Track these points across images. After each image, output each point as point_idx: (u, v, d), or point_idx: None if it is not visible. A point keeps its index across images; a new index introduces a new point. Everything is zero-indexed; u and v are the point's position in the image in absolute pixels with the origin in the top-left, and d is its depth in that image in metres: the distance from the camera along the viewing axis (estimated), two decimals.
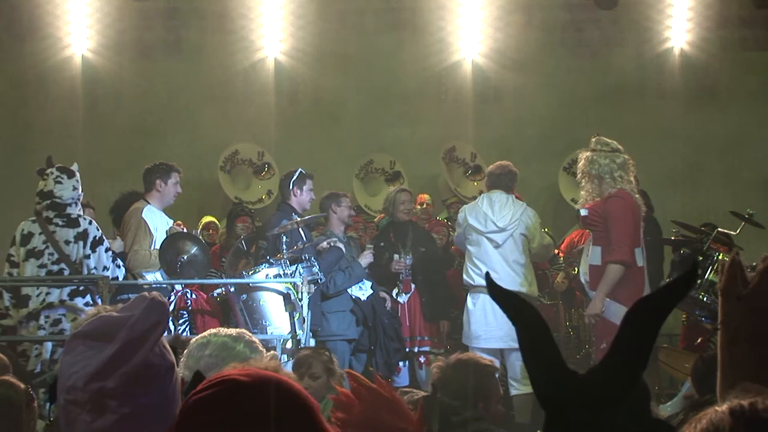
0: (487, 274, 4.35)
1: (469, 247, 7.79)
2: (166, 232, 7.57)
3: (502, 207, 7.69)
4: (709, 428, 1.52)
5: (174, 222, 7.82)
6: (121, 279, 7.05)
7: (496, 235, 7.65)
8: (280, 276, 7.27)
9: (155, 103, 10.73)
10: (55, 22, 10.57)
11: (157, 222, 7.60)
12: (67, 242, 6.81)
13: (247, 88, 10.79)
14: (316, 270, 7.44)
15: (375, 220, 9.68)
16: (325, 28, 10.84)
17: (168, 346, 2.33)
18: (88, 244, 6.84)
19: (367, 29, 10.91)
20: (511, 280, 7.49)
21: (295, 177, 8.03)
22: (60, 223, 6.83)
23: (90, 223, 6.92)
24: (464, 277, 7.83)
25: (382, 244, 8.42)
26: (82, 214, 6.95)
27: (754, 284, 2.09)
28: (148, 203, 7.69)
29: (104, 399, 2.17)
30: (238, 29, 10.69)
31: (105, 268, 6.87)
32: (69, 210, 6.87)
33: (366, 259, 8.13)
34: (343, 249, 8.00)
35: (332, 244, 7.93)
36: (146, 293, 2.34)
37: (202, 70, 10.80)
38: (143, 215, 7.57)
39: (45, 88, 10.65)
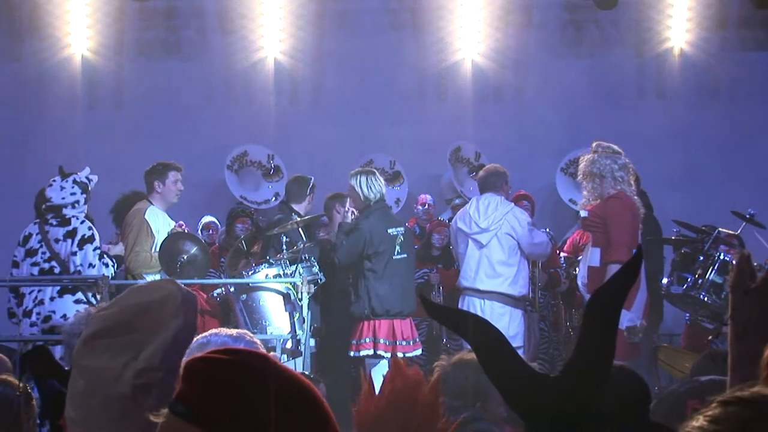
0: (421, 295, 4.37)
1: (459, 251, 7.89)
2: (168, 233, 7.57)
3: (488, 208, 7.73)
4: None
5: (176, 224, 7.81)
6: (110, 278, 6.98)
7: (480, 236, 7.69)
8: (280, 276, 7.27)
9: (155, 103, 10.72)
10: (55, 22, 10.56)
11: (160, 224, 7.60)
12: (57, 240, 6.92)
13: (247, 88, 10.78)
14: (316, 270, 7.44)
15: None
16: (325, 28, 10.84)
17: None
18: (76, 242, 6.92)
19: (367, 29, 10.89)
20: (492, 280, 7.57)
21: (310, 185, 8.11)
22: (54, 222, 6.96)
23: (82, 222, 6.99)
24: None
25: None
26: (77, 215, 6.99)
27: (762, 278, 2.10)
28: (152, 204, 7.70)
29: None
30: (238, 29, 10.68)
31: (91, 265, 6.92)
32: (65, 211, 6.95)
33: None
34: None
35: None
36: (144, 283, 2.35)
37: (202, 70, 10.79)
38: (146, 216, 7.57)
39: (45, 88, 10.64)
